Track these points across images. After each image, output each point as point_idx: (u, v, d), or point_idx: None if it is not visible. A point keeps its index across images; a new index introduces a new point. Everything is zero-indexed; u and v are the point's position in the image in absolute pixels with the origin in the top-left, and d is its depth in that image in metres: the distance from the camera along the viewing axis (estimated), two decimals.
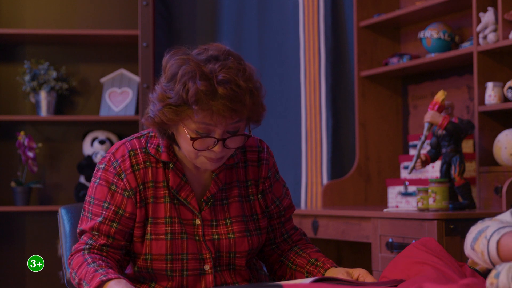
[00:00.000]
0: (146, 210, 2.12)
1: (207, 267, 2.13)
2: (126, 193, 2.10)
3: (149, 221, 2.11)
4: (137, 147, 2.13)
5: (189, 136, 2.02)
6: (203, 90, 1.96)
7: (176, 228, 2.11)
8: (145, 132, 2.18)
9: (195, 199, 2.13)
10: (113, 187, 2.11)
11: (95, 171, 2.16)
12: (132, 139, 2.16)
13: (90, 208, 2.13)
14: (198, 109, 1.98)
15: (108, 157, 2.14)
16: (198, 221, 2.13)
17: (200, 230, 2.13)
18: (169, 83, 2.03)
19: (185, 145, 2.05)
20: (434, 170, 3.59)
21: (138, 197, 2.11)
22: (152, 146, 2.13)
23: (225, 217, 2.15)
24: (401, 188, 3.76)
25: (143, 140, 2.15)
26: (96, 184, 2.14)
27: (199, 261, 2.12)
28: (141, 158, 2.12)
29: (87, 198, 2.16)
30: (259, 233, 2.19)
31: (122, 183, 2.10)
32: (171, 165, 2.12)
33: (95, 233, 2.11)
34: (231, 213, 2.16)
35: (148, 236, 2.11)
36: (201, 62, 2.01)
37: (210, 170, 2.16)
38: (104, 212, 2.10)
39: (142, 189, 2.11)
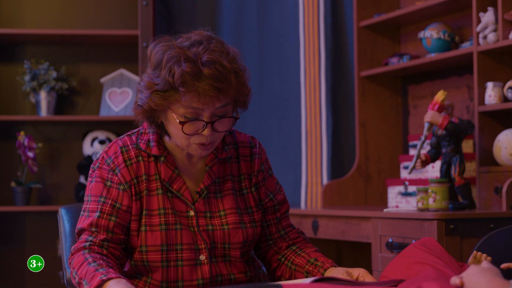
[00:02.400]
0: (141, 203, 2.14)
1: (202, 257, 2.14)
2: (121, 187, 2.13)
3: (144, 213, 2.13)
4: (129, 143, 2.17)
5: (178, 121, 2.04)
6: (188, 72, 1.99)
7: (170, 219, 2.13)
8: (135, 130, 2.22)
9: (188, 191, 2.15)
10: (108, 183, 2.15)
11: (90, 172, 2.21)
12: (123, 137, 2.21)
13: (87, 206, 2.16)
14: (184, 91, 2.00)
15: (102, 156, 2.19)
16: (192, 213, 2.15)
17: (195, 221, 2.15)
18: (155, 71, 2.07)
19: (175, 132, 2.08)
20: (434, 170, 3.59)
21: (133, 190, 2.14)
22: (143, 141, 2.17)
23: (219, 209, 2.17)
24: (401, 188, 3.76)
25: (134, 137, 2.19)
26: (92, 183, 2.18)
27: (194, 251, 2.13)
28: (133, 153, 2.16)
29: (84, 198, 2.19)
30: (253, 225, 2.20)
31: (116, 178, 2.14)
32: (162, 159, 2.15)
33: (94, 229, 2.12)
34: (225, 205, 2.18)
35: (143, 228, 2.13)
36: (185, 47, 2.04)
37: (203, 163, 2.18)
38: (101, 207, 2.13)
39: (136, 182, 2.14)
